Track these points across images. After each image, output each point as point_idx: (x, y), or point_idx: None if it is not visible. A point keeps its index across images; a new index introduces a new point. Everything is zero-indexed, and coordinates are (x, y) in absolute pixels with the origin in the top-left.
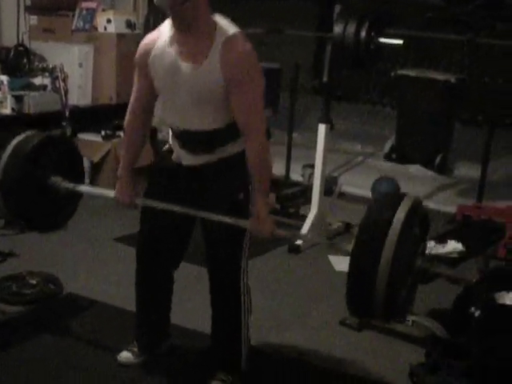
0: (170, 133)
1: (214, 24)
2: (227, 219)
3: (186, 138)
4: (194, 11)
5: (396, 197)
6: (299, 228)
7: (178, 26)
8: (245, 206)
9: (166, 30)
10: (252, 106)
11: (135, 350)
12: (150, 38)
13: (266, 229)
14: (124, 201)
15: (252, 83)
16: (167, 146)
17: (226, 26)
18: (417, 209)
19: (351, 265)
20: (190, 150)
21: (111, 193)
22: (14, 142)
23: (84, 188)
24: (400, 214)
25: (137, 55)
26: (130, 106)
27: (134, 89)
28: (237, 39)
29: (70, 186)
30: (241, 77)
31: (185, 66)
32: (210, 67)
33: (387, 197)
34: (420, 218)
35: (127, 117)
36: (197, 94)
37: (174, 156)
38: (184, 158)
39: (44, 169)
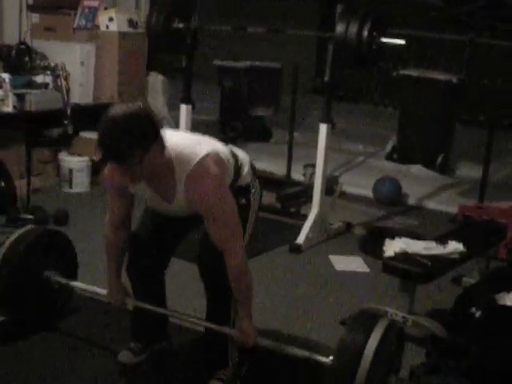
0: None
1: (171, 162)
2: (212, 326)
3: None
4: (149, 165)
5: (371, 319)
6: (300, 227)
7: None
8: (246, 210)
9: None
10: (224, 230)
11: (135, 348)
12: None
13: (250, 341)
14: (115, 303)
15: (219, 211)
16: None
17: (183, 158)
18: (390, 332)
19: (328, 378)
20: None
21: (103, 292)
22: (12, 238)
23: (77, 284)
24: (373, 341)
25: (110, 182)
26: (108, 224)
27: (111, 208)
28: (195, 175)
29: (64, 281)
30: (207, 209)
31: (163, 201)
32: (181, 203)
33: (362, 319)
34: (394, 339)
35: (107, 230)
36: (179, 214)
37: None
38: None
39: (38, 263)
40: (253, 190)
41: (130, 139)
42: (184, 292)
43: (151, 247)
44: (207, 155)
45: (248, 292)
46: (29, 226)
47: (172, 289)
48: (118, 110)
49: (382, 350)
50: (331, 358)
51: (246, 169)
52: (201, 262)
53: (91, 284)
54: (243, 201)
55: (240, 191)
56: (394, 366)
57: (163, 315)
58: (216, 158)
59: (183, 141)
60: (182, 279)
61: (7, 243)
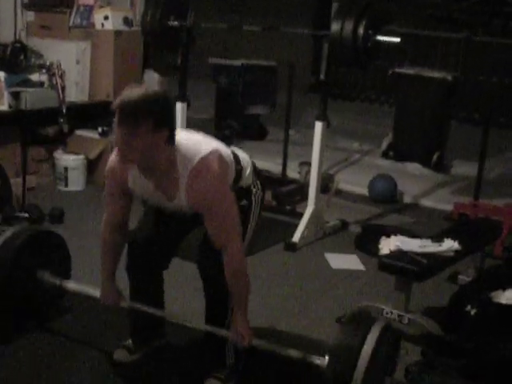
0: None
1: (175, 155)
2: (209, 328)
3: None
4: (153, 154)
5: (367, 321)
6: (296, 225)
7: (141, 168)
8: (247, 211)
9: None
10: (225, 228)
11: (130, 347)
12: (117, 159)
13: (245, 343)
14: (109, 303)
15: (220, 209)
16: None
17: (187, 153)
18: (387, 333)
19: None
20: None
21: (96, 292)
22: (3, 236)
23: (70, 285)
24: (369, 344)
25: (110, 174)
26: (105, 222)
27: (109, 204)
28: (198, 172)
29: (57, 281)
30: (208, 208)
31: (164, 198)
32: (182, 200)
33: (359, 320)
34: (390, 342)
35: (103, 229)
36: (180, 211)
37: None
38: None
39: (30, 263)
40: (254, 191)
41: (148, 107)
42: (182, 290)
43: (151, 247)
44: (210, 153)
45: (245, 293)
46: (22, 225)
47: (171, 287)
48: (140, 86)
49: (379, 352)
50: (326, 359)
51: (247, 171)
52: (200, 263)
53: (86, 282)
54: (244, 202)
55: (241, 192)
56: (390, 367)
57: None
58: (218, 157)
59: (187, 138)
60: (181, 278)
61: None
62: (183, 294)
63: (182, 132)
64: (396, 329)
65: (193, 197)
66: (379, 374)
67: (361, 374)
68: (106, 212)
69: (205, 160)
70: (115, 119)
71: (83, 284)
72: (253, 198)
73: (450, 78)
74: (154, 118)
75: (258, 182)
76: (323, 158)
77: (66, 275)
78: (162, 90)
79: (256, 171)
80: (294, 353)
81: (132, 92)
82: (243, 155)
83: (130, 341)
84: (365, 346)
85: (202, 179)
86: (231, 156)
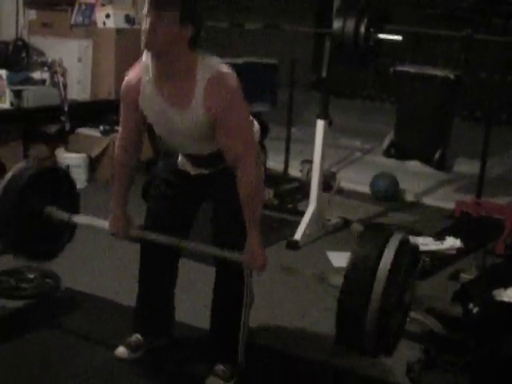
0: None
1: (195, 63)
2: (221, 252)
3: (190, 158)
4: (174, 52)
5: (385, 234)
6: (297, 223)
7: (159, 70)
8: None
9: (146, 68)
10: (240, 143)
11: (132, 344)
12: (133, 75)
13: (259, 263)
14: (118, 234)
15: (238, 121)
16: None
17: (209, 63)
18: (404, 246)
19: (341, 302)
20: (195, 165)
21: (105, 224)
22: (10, 173)
23: (79, 218)
24: (388, 255)
25: (124, 92)
26: (119, 142)
27: (123, 125)
28: (219, 78)
29: (65, 216)
30: (226, 117)
31: (173, 112)
32: (196, 109)
33: (375, 233)
34: (408, 255)
35: (117, 153)
36: (187, 132)
37: (180, 165)
38: (191, 169)
39: (38, 199)
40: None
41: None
42: (183, 288)
43: (166, 227)
44: (230, 72)
45: (260, 201)
46: (25, 162)
47: (178, 287)
48: None
49: (397, 265)
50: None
51: (255, 127)
52: (221, 266)
53: (94, 283)
54: None
55: None
56: (409, 283)
57: (169, 308)
58: (237, 78)
59: (211, 57)
60: (188, 278)
61: (5, 179)
62: (182, 294)
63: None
64: (414, 244)
65: (210, 102)
66: (399, 287)
67: (380, 286)
68: (120, 133)
69: (225, 71)
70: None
71: (92, 217)
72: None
73: (452, 76)
74: (182, 8)
75: (262, 151)
76: (325, 156)
77: (75, 209)
78: None
79: (260, 137)
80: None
81: None
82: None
83: (132, 339)
84: (384, 256)
85: (220, 87)
86: None
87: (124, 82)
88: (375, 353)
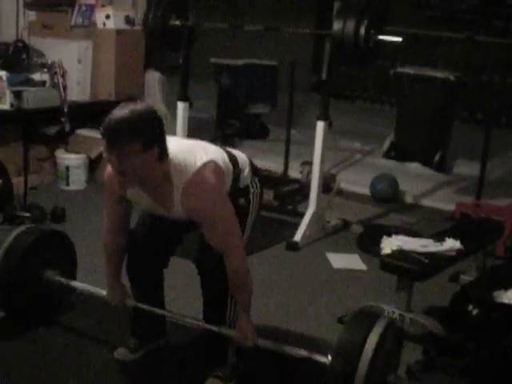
0: None
1: (168, 170)
2: (211, 327)
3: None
4: (148, 172)
5: (369, 318)
6: (297, 225)
7: (138, 185)
8: (246, 210)
9: None
10: (223, 236)
11: (131, 345)
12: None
13: (249, 342)
14: (115, 303)
15: (218, 219)
16: None
17: (182, 167)
18: (390, 330)
19: (328, 376)
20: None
21: (103, 292)
22: (10, 237)
23: (77, 284)
24: (372, 340)
25: (108, 185)
26: (107, 227)
27: (109, 211)
28: (193, 184)
29: (64, 281)
30: (205, 218)
31: (161, 208)
32: (180, 209)
33: (360, 317)
34: (394, 337)
35: (105, 236)
36: (178, 218)
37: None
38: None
39: (38, 264)
40: (252, 190)
41: (133, 129)
42: (182, 290)
43: (150, 246)
44: (204, 165)
45: (248, 292)
46: (28, 226)
47: (170, 286)
48: (128, 104)
49: (381, 348)
50: (330, 356)
51: (245, 171)
52: (199, 261)
53: (90, 281)
54: (242, 201)
55: (239, 192)
56: (393, 364)
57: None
58: (214, 167)
59: (179, 149)
60: (180, 277)
61: (6, 243)
62: (182, 294)
63: (172, 142)
64: (399, 326)
65: (189, 209)
66: (382, 370)
67: (364, 369)
68: (106, 217)
69: (199, 173)
70: (104, 145)
71: (89, 284)
72: (251, 197)
73: (452, 77)
74: (141, 138)
75: (256, 180)
76: (325, 157)
77: (73, 273)
78: (147, 106)
79: (254, 169)
80: (297, 351)
81: (116, 114)
82: (240, 155)
83: (131, 340)
84: (367, 342)
85: (197, 192)
86: (227, 160)
87: (107, 177)
88: None
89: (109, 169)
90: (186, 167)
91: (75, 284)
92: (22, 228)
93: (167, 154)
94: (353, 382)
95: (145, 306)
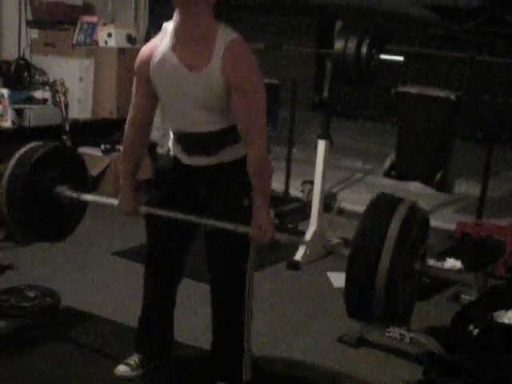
0: (171, 140)
1: (216, 28)
2: (228, 225)
3: (191, 141)
4: (199, 13)
5: (392, 201)
6: (298, 244)
7: (181, 30)
8: (249, 212)
9: (166, 36)
10: (253, 111)
11: (132, 363)
12: (150, 44)
13: (267, 236)
14: (127, 210)
15: (253, 88)
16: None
17: (228, 31)
18: (414, 213)
19: (349, 268)
20: (193, 154)
21: (115, 201)
22: (19, 152)
23: (88, 197)
24: (396, 222)
25: (137, 63)
26: (129, 118)
27: (134, 101)
28: (238, 45)
29: (75, 195)
30: (242, 82)
31: (187, 71)
32: (212, 72)
33: (384, 200)
34: (418, 222)
35: (127, 129)
36: (201, 98)
37: (173, 153)
38: (186, 160)
39: (49, 179)
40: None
41: None
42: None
43: (166, 256)
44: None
45: (268, 181)
46: (35, 142)
47: (178, 307)
48: None
49: (405, 235)
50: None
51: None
52: (214, 280)
53: (89, 298)
54: (246, 202)
55: (243, 190)
56: (419, 252)
57: (169, 329)
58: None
59: None
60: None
61: (14, 159)
62: (191, 318)
63: None
64: (423, 210)
65: (228, 67)
66: (408, 258)
67: (387, 258)
68: (132, 109)
69: (241, 40)
70: None
71: (101, 196)
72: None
73: (453, 97)
74: None
75: None
76: (326, 176)
77: (84, 188)
78: None
79: None
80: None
81: None
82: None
83: (133, 357)
84: (390, 228)
85: (238, 53)
86: None
87: (140, 53)
88: (385, 320)
89: (142, 48)
90: (230, 34)
91: (85, 197)
92: (34, 143)
93: (219, 12)
94: (376, 273)
95: (158, 211)
